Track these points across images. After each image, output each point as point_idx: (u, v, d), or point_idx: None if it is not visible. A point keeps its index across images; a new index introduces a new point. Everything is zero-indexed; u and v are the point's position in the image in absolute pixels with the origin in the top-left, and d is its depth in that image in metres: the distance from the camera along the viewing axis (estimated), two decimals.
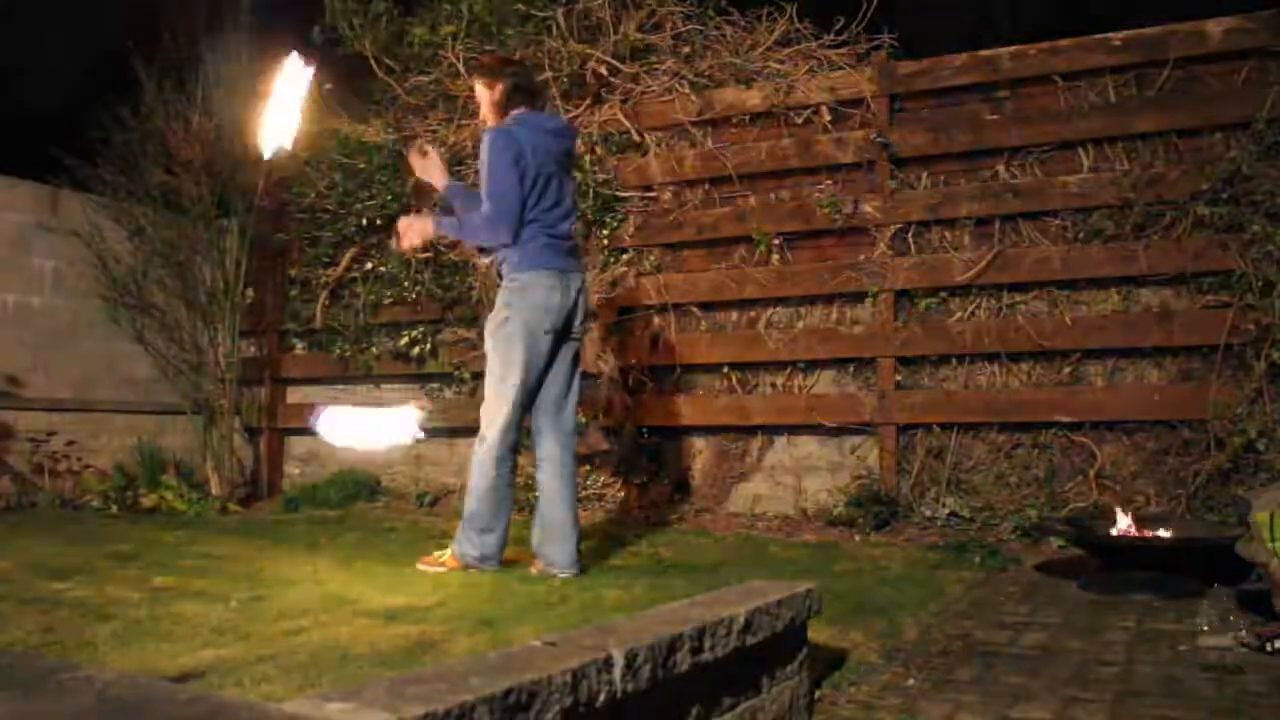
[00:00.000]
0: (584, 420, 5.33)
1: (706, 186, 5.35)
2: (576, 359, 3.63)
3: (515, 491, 3.58)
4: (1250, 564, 2.89)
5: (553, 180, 3.51)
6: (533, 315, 3.43)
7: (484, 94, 3.64)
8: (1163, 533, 3.60)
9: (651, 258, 5.44)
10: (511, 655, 1.38)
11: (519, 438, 3.54)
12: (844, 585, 3.21)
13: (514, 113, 3.58)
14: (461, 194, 3.78)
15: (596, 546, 4.16)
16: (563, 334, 3.52)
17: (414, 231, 3.69)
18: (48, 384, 5.89)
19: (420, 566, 3.53)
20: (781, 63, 5.21)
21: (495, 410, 3.46)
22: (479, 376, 5.75)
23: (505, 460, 3.46)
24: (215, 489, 5.86)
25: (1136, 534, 3.56)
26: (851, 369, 5.03)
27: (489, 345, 3.54)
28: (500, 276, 3.56)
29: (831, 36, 5.14)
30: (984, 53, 4.80)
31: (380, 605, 2.76)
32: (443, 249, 5.73)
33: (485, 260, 3.62)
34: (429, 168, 3.80)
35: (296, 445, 6.63)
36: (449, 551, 3.53)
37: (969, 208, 4.74)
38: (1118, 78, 4.56)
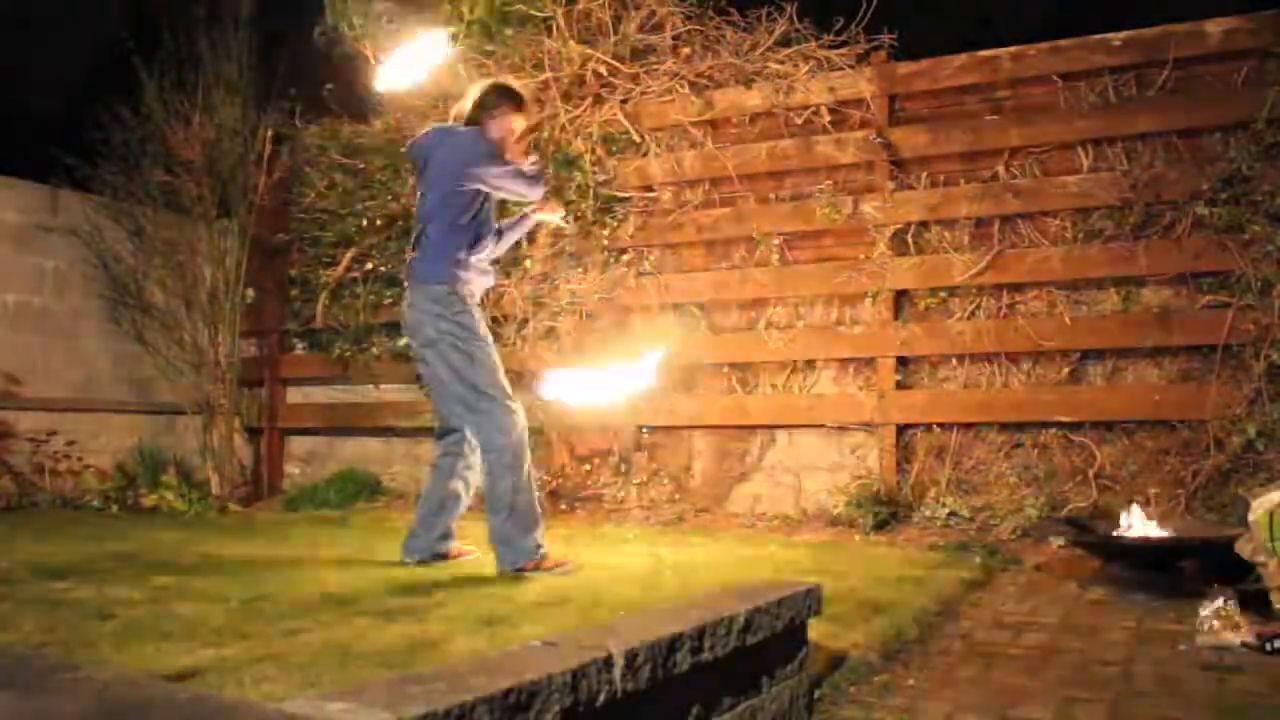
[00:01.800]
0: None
1: (706, 187, 5.35)
2: (434, 369, 3.49)
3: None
4: (1250, 564, 2.89)
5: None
6: None
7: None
8: (1162, 533, 3.59)
9: (651, 258, 5.44)
10: (511, 655, 1.38)
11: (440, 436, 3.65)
12: (844, 585, 3.21)
13: None
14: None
15: (596, 546, 4.16)
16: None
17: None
18: (48, 384, 5.89)
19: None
20: (781, 63, 5.21)
21: None
22: None
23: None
24: (215, 489, 5.86)
25: (1136, 534, 3.56)
26: (851, 369, 5.03)
27: None
28: None
29: (831, 37, 5.14)
30: (984, 53, 4.80)
31: (380, 605, 2.76)
32: None
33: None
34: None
35: (296, 445, 6.63)
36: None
37: (969, 208, 4.74)
38: (1117, 78, 4.56)
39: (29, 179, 5.94)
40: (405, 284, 3.56)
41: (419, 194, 3.59)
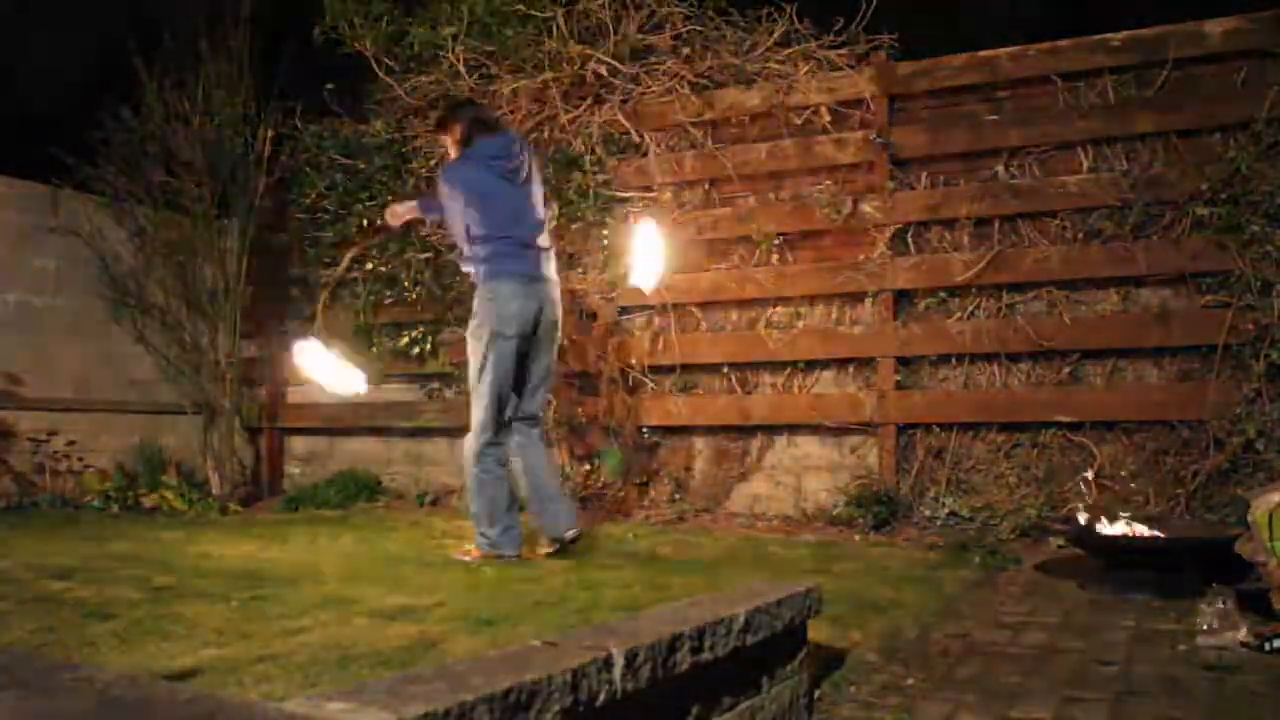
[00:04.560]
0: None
1: (706, 187, 5.36)
2: (551, 356, 3.89)
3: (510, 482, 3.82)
4: (1250, 564, 2.89)
5: (500, 196, 3.78)
6: (499, 321, 3.69)
7: (447, 140, 3.98)
8: (1162, 533, 3.59)
9: None
10: (511, 655, 1.38)
11: (496, 434, 3.75)
12: (844, 585, 3.21)
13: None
14: (432, 203, 4.11)
15: (597, 546, 4.16)
16: (531, 334, 3.76)
17: (396, 214, 4.16)
18: (48, 384, 5.89)
19: (455, 555, 3.80)
20: (781, 63, 5.20)
21: (475, 410, 3.75)
22: None
23: (487, 455, 3.71)
24: (216, 489, 5.86)
25: (1135, 534, 3.55)
26: (851, 369, 5.03)
27: (468, 350, 3.80)
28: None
29: (831, 37, 5.13)
30: (983, 53, 4.80)
31: (380, 605, 2.76)
32: (443, 249, 5.74)
33: (468, 271, 3.93)
34: (400, 214, 4.21)
35: (297, 445, 6.64)
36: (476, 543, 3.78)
37: (969, 208, 4.74)
38: (1117, 78, 4.56)
39: (29, 179, 5.94)
40: (529, 274, 3.77)
41: (519, 193, 3.84)
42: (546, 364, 3.88)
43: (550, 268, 3.88)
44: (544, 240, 3.88)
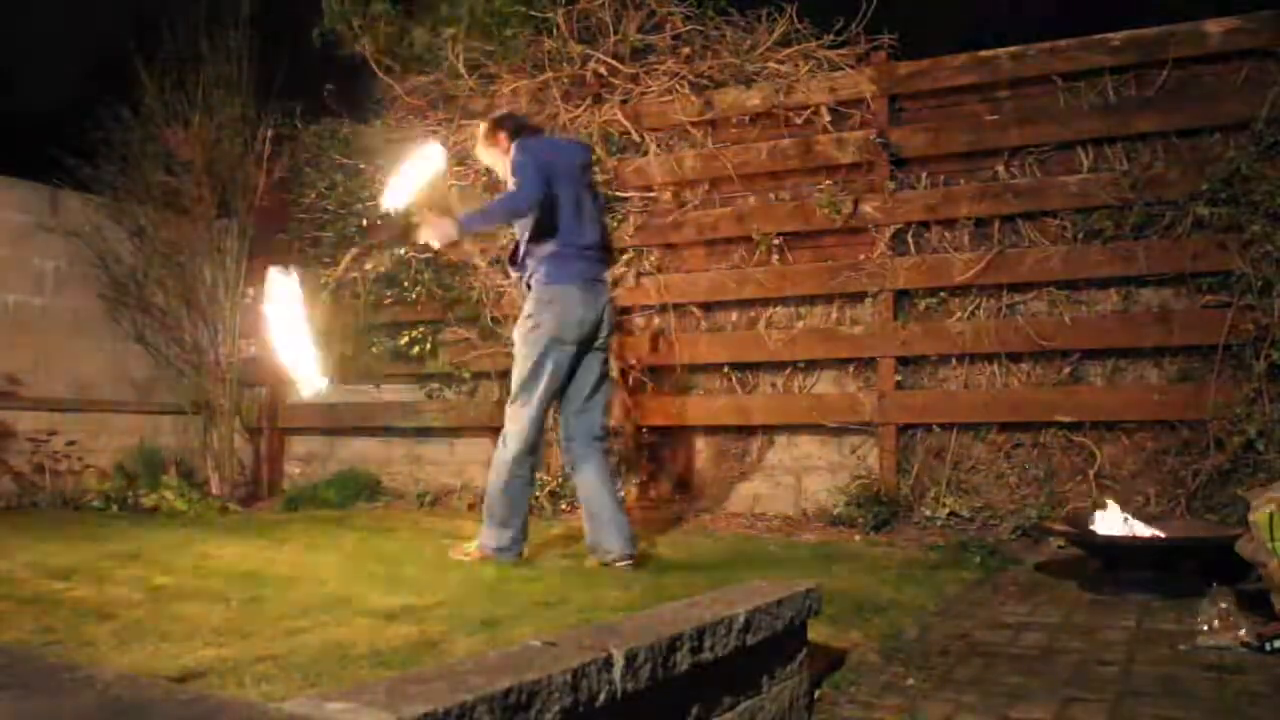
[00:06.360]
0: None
1: (706, 187, 5.35)
2: (605, 366, 3.76)
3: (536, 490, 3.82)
4: (1250, 564, 2.89)
5: (574, 194, 3.62)
6: (560, 327, 3.55)
7: (493, 152, 3.76)
8: (1162, 533, 3.59)
9: (651, 258, 5.43)
10: (511, 655, 1.38)
11: (539, 440, 3.68)
12: (844, 585, 3.21)
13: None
14: (478, 216, 3.77)
15: None
16: (588, 343, 3.63)
17: (438, 233, 3.60)
18: (48, 384, 5.89)
19: (452, 555, 3.74)
20: (781, 63, 5.20)
21: (518, 413, 3.61)
22: (479, 376, 5.77)
23: (523, 461, 3.62)
24: (215, 489, 5.86)
25: (1135, 534, 3.55)
26: (851, 369, 5.03)
27: (517, 351, 3.65)
28: (529, 287, 3.65)
29: (831, 36, 5.13)
30: (983, 53, 4.80)
31: (380, 605, 2.76)
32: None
33: (515, 275, 3.76)
34: (440, 226, 3.62)
35: (296, 445, 6.64)
36: (475, 543, 3.69)
37: (969, 208, 4.74)
38: (1117, 78, 4.56)
39: (29, 179, 5.94)
40: (592, 279, 3.64)
41: (585, 197, 3.67)
42: (603, 372, 3.73)
43: (607, 273, 3.81)
44: (604, 245, 3.78)
